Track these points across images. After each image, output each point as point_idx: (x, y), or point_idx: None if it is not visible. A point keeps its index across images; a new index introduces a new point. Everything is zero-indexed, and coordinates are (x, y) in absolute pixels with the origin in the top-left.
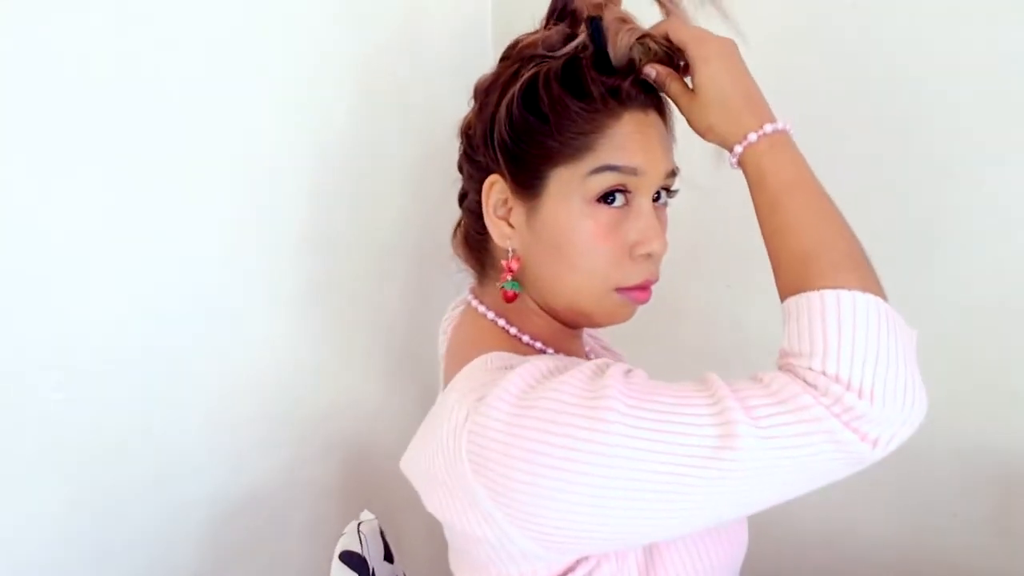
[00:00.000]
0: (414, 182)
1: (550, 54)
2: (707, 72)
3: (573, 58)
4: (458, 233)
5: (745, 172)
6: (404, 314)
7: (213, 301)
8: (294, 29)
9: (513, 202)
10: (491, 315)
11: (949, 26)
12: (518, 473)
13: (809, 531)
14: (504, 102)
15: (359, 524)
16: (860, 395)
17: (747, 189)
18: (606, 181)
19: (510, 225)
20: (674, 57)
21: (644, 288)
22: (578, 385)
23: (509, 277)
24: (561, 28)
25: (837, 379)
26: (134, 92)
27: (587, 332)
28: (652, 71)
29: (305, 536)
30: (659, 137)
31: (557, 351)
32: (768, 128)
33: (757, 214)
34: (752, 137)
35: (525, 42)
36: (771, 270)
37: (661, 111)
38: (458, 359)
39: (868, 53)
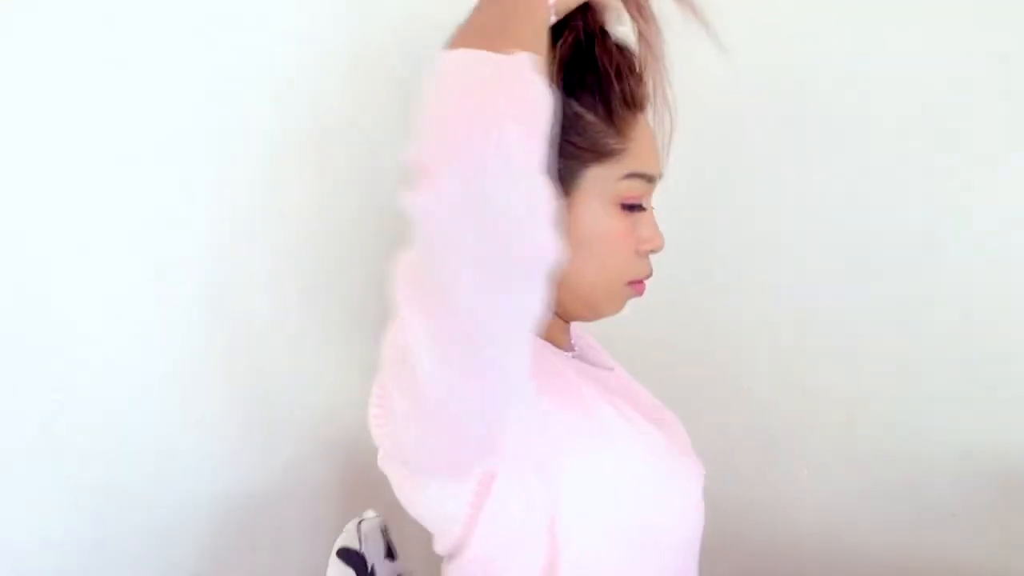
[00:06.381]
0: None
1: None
2: None
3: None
4: None
5: None
6: None
7: (212, 301)
8: (291, 24)
9: None
10: None
11: (947, 26)
12: None
13: (809, 531)
14: None
15: (360, 522)
16: None
17: (746, 191)
18: (636, 189)
19: None
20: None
21: (645, 281)
22: None
23: None
24: None
25: None
26: (129, 91)
27: (578, 326)
28: None
29: (304, 536)
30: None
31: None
32: None
33: None
34: None
35: None
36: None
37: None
38: None
39: (867, 53)
